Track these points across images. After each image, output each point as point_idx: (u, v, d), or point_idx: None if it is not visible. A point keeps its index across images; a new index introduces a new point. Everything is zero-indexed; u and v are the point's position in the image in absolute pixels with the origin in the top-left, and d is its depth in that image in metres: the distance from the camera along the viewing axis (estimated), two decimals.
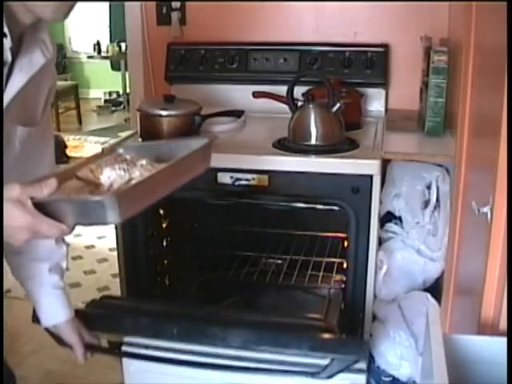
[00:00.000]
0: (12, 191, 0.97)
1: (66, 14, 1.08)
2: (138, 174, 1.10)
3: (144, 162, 1.14)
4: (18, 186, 0.98)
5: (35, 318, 1.41)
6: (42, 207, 0.99)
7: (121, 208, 0.99)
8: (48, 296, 1.40)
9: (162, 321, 1.47)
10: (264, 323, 1.50)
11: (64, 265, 1.46)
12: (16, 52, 1.11)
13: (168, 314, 1.54)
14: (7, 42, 1.06)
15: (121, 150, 1.26)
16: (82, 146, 5.41)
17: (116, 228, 1.92)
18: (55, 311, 1.41)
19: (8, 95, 1.13)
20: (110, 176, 1.10)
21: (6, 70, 1.10)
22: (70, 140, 5.32)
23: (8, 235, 1.00)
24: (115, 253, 2.00)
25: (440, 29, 2.08)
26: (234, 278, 2.13)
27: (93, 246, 3.45)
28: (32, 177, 1.10)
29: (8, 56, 1.09)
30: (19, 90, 1.13)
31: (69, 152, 5.21)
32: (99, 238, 3.51)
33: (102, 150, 1.32)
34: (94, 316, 1.51)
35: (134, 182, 1.07)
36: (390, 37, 2.20)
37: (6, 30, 1.06)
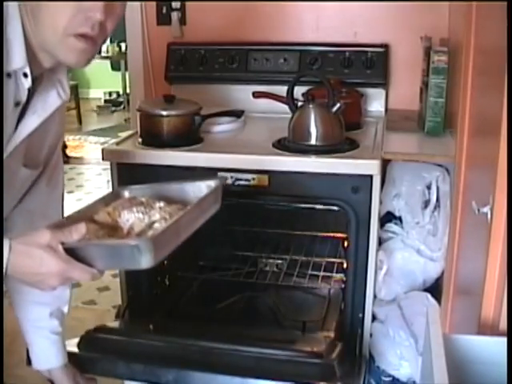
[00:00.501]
0: (42, 237, 0.97)
1: (89, 61, 1.09)
2: (158, 217, 1.10)
3: (162, 204, 1.15)
4: (48, 231, 0.98)
5: (28, 360, 1.39)
6: (72, 252, 0.98)
7: (154, 252, 0.99)
8: (44, 340, 1.38)
9: (157, 365, 1.50)
10: (261, 360, 1.57)
11: (66, 309, 1.43)
12: (32, 91, 1.10)
13: (163, 356, 1.59)
14: (26, 83, 1.06)
15: (127, 192, 1.26)
16: (82, 146, 5.41)
17: None
18: (50, 356, 1.39)
19: (19, 137, 1.12)
20: (129, 219, 1.10)
21: (19, 109, 1.09)
22: (70, 140, 5.32)
23: (38, 281, 0.99)
24: None
25: (440, 29, 2.08)
26: (234, 278, 2.13)
27: None
28: (36, 221, 1.10)
29: (24, 96, 1.08)
30: (30, 133, 1.12)
31: (69, 152, 5.21)
32: None
33: (112, 190, 1.31)
34: (88, 360, 1.51)
35: (157, 225, 1.08)
36: (390, 37, 2.20)
37: (27, 70, 1.05)
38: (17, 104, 1.08)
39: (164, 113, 1.83)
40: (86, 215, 1.12)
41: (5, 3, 1.02)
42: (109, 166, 1.85)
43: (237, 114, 2.09)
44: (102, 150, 1.83)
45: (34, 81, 1.08)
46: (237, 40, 2.28)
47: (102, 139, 5.30)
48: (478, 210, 1.12)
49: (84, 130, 6.39)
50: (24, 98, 1.09)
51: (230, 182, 1.75)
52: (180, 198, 1.24)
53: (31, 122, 1.12)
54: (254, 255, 2.24)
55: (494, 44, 1.15)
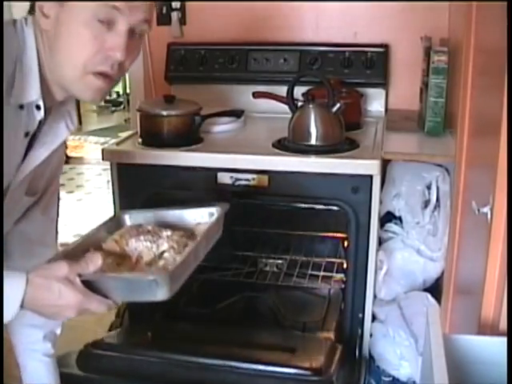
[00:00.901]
0: (60, 270, 0.97)
1: (104, 96, 1.10)
2: (166, 247, 1.13)
3: (169, 232, 1.17)
4: (66, 264, 0.98)
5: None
6: (89, 284, 0.99)
7: (170, 286, 1.01)
8: (37, 363, 1.38)
9: None
10: (258, 378, 1.58)
11: (58, 331, 1.42)
12: (42, 122, 1.10)
13: (161, 375, 1.63)
14: (39, 115, 1.07)
15: (127, 216, 1.28)
16: (82, 146, 5.41)
17: None
18: (42, 378, 1.39)
19: (27, 168, 1.12)
20: (137, 247, 1.12)
21: (27, 140, 1.10)
22: (70, 140, 5.31)
23: (55, 313, 1.00)
24: None
25: (440, 29, 2.08)
26: (233, 278, 2.12)
27: None
28: (35, 248, 1.12)
29: (34, 127, 1.09)
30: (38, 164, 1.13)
31: (69, 152, 5.20)
32: None
33: (114, 215, 1.31)
34: (85, 381, 1.53)
35: (166, 254, 1.11)
36: (390, 37, 2.20)
37: (41, 103, 1.06)
38: (26, 134, 1.08)
39: (164, 113, 1.83)
40: (92, 242, 1.14)
41: (25, 32, 1.03)
42: (109, 166, 1.85)
43: (237, 113, 2.09)
44: (102, 150, 1.82)
45: (44, 112, 1.08)
46: (237, 40, 2.28)
47: (102, 139, 5.30)
48: (478, 210, 1.12)
49: (84, 130, 6.37)
50: (34, 128, 1.09)
51: (230, 182, 1.75)
52: (181, 223, 1.26)
53: (40, 154, 1.13)
54: (254, 255, 2.24)
55: (494, 44, 1.15)
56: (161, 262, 1.10)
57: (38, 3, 1.02)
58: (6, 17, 1.11)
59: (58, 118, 1.15)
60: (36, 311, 0.99)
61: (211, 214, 1.29)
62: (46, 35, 1.03)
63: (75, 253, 1.08)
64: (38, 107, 1.06)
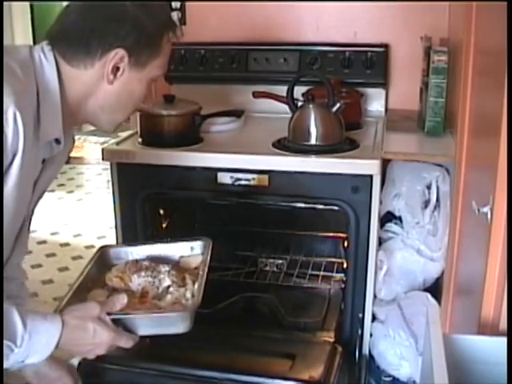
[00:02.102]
0: (93, 310, 1.06)
1: (119, 126, 1.21)
2: (169, 282, 1.24)
3: (167, 267, 1.27)
4: (97, 304, 1.08)
5: None
6: (116, 321, 1.08)
7: (192, 319, 1.13)
8: None
9: None
10: None
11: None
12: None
13: None
14: (57, 148, 1.13)
15: (112, 251, 1.36)
16: (82, 146, 5.40)
17: (116, 228, 1.92)
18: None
19: (41, 189, 1.17)
20: (140, 283, 1.23)
21: (42, 165, 1.13)
22: None
23: (88, 351, 1.08)
24: None
25: (440, 29, 2.08)
26: (233, 278, 2.12)
27: (93, 246, 3.44)
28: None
29: (52, 154, 1.13)
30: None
31: None
32: (99, 238, 3.50)
33: (99, 249, 1.37)
34: None
35: (171, 289, 1.23)
36: (390, 37, 2.20)
37: (62, 138, 1.12)
38: (43, 161, 1.12)
39: (164, 113, 1.83)
40: (92, 280, 1.25)
41: (45, 67, 1.05)
42: (109, 166, 1.85)
43: (237, 113, 2.09)
44: (102, 149, 1.83)
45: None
46: (237, 40, 2.28)
47: (102, 139, 5.28)
48: (478, 210, 1.12)
49: (84, 129, 6.36)
50: (50, 156, 1.13)
51: (229, 182, 1.75)
52: (165, 257, 1.36)
53: (50, 175, 1.18)
54: (254, 255, 2.24)
55: (494, 44, 1.15)
56: (168, 297, 1.21)
57: (113, 61, 1.07)
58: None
59: (66, 140, 1.18)
60: (70, 350, 1.07)
61: (192, 248, 1.40)
62: (95, 83, 1.09)
63: (81, 293, 1.18)
64: (58, 141, 1.12)
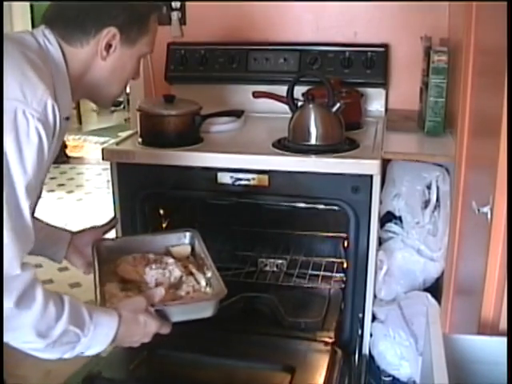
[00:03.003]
0: (142, 303, 1.16)
1: (114, 100, 1.31)
2: (179, 273, 1.33)
3: (171, 259, 1.38)
4: (143, 297, 1.18)
5: None
6: (156, 311, 1.18)
7: (218, 305, 1.23)
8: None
9: None
10: None
11: None
12: None
13: None
14: (65, 123, 1.18)
15: (103, 245, 1.44)
16: (82, 146, 5.40)
17: (116, 228, 1.91)
18: None
19: (50, 162, 1.19)
20: (154, 275, 1.32)
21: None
22: (70, 140, 5.31)
23: (137, 340, 1.17)
24: None
25: (440, 29, 2.08)
26: (234, 278, 2.12)
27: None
28: None
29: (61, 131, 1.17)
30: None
31: (69, 152, 5.20)
32: None
33: (93, 245, 1.43)
34: None
35: (184, 278, 1.33)
36: (390, 37, 2.20)
37: (70, 113, 1.21)
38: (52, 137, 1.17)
39: (164, 113, 1.83)
40: (105, 274, 1.32)
41: (51, 50, 1.13)
42: (109, 166, 1.85)
43: (237, 114, 2.09)
44: (102, 149, 1.82)
45: None
46: (237, 40, 2.28)
47: (102, 139, 5.29)
48: (478, 210, 1.12)
49: (84, 129, 6.37)
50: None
51: (229, 181, 1.75)
52: (151, 248, 1.43)
53: (57, 146, 1.19)
54: (254, 255, 2.24)
55: (494, 44, 1.15)
56: (184, 286, 1.31)
57: (106, 39, 1.15)
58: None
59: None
60: (122, 342, 1.16)
61: (179, 238, 1.49)
62: (90, 60, 1.17)
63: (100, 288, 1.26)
64: (67, 118, 1.19)
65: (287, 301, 2.03)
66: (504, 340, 1.01)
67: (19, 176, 0.99)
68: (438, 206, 1.83)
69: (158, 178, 1.81)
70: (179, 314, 1.21)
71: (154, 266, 1.33)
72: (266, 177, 1.73)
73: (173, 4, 2.35)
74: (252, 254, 2.24)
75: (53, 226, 1.42)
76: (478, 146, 1.35)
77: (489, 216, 1.07)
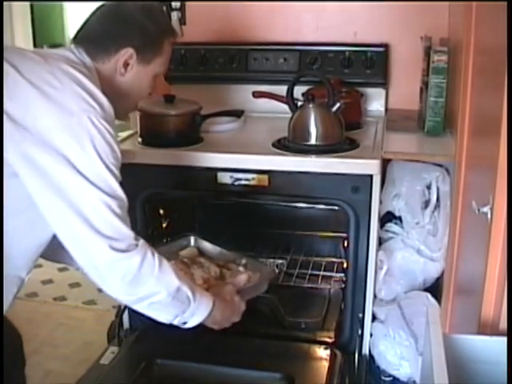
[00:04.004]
0: (231, 289, 1.42)
1: (130, 113, 1.61)
2: (216, 269, 1.63)
3: (202, 259, 1.69)
4: (230, 284, 1.48)
5: None
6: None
7: None
8: None
9: None
10: None
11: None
12: None
13: None
14: None
15: None
16: None
17: None
18: None
19: None
20: (200, 274, 1.58)
21: None
22: None
23: (229, 320, 1.38)
24: None
25: (440, 29, 2.08)
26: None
27: None
28: None
29: None
30: None
31: None
32: None
33: None
34: None
35: (224, 270, 1.66)
36: (390, 37, 2.20)
37: None
38: None
39: (164, 113, 1.83)
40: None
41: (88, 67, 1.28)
42: None
43: (237, 113, 2.09)
44: None
45: None
46: (237, 40, 2.28)
47: None
48: (478, 210, 1.11)
49: None
50: None
51: (229, 181, 1.75)
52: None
53: None
54: (254, 255, 2.23)
55: (494, 44, 1.15)
56: (231, 278, 1.58)
57: (124, 57, 1.31)
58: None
59: None
60: (215, 320, 1.33)
61: (185, 244, 1.81)
62: (111, 75, 1.33)
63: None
64: None
65: (287, 301, 2.02)
66: (504, 340, 1.01)
67: (109, 175, 1.27)
68: (438, 206, 1.83)
69: (158, 178, 1.81)
70: (252, 292, 1.51)
71: (195, 267, 1.56)
72: (265, 177, 1.73)
73: (173, 4, 2.35)
74: (252, 254, 2.24)
75: None
76: (478, 145, 1.35)
77: (489, 216, 1.07)
